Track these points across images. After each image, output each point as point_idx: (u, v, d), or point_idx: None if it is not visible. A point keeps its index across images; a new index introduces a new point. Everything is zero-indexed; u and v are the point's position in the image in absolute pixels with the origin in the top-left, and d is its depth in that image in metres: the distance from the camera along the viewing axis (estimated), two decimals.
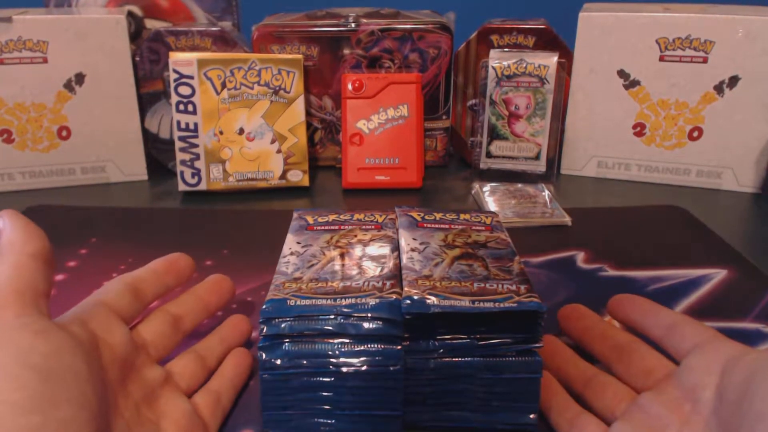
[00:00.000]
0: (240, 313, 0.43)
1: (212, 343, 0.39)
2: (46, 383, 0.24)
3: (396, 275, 0.36)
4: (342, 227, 0.42)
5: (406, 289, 0.33)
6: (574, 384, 0.37)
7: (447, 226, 0.41)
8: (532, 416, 0.34)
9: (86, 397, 0.26)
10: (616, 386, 0.35)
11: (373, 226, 0.42)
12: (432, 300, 0.32)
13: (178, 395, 0.34)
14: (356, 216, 0.43)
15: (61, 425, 0.24)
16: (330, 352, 0.32)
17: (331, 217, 0.43)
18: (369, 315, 0.32)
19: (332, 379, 0.33)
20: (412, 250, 0.38)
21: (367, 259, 0.37)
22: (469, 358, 0.33)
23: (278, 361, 0.32)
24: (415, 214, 0.43)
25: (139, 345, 0.34)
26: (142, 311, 0.36)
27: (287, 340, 0.32)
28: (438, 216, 0.43)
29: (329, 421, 0.33)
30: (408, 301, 0.32)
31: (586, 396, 0.36)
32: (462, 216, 0.43)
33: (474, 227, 0.41)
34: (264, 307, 0.33)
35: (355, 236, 0.40)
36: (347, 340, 0.32)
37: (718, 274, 0.53)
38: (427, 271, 0.35)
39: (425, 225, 0.41)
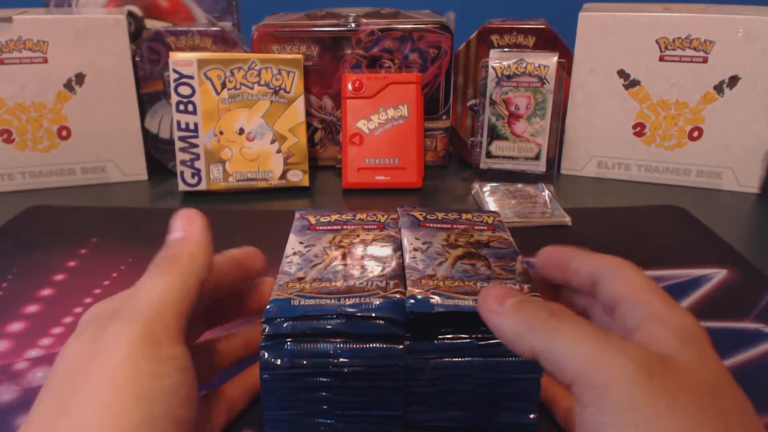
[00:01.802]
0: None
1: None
2: (152, 407, 0.25)
3: (399, 275, 0.35)
4: (344, 227, 0.42)
5: (409, 288, 0.33)
6: None
7: (449, 226, 0.41)
8: (532, 416, 0.34)
9: (184, 417, 0.27)
10: None
11: (375, 226, 0.42)
12: (436, 299, 0.32)
13: None
14: (358, 216, 0.43)
15: None
16: (331, 352, 0.32)
17: (334, 217, 0.43)
18: (373, 315, 0.32)
19: (333, 379, 0.33)
20: (415, 249, 0.38)
21: (370, 258, 0.37)
22: (469, 358, 0.33)
23: (279, 361, 0.32)
24: (417, 214, 0.43)
25: None
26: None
27: (288, 339, 0.32)
28: (440, 215, 0.43)
29: (329, 421, 0.33)
30: (412, 301, 0.32)
31: None
32: (464, 216, 0.43)
33: (476, 227, 0.41)
34: (268, 307, 0.33)
35: (358, 236, 0.40)
36: (348, 340, 0.32)
37: (718, 274, 0.53)
38: (431, 271, 0.35)
39: (428, 224, 0.41)
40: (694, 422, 0.23)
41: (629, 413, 0.23)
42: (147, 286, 0.29)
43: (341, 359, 0.32)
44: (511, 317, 0.28)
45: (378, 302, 0.32)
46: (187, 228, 0.32)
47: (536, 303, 0.28)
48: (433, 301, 0.32)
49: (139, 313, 0.27)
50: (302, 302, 0.33)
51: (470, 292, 0.33)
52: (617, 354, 0.24)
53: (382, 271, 0.36)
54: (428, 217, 0.42)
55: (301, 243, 0.40)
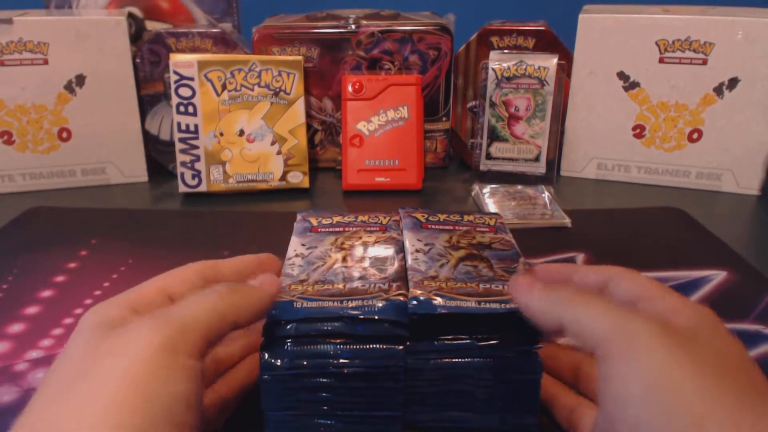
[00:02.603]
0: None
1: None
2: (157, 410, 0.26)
3: (402, 277, 0.36)
4: (346, 229, 0.42)
5: (412, 289, 0.33)
6: (564, 372, 0.37)
7: (451, 227, 0.41)
8: (532, 417, 0.34)
9: (188, 423, 0.27)
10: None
11: (377, 228, 0.42)
12: (438, 301, 0.32)
13: None
14: (360, 218, 0.43)
15: None
16: (331, 353, 0.32)
17: (335, 219, 0.43)
18: (376, 317, 0.32)
19: (333, 379, 0.33)
20: (417, 251, 0.38)
21: (372, 260, 0.37)
22: (469, 359, 0.33)
23: (279, 362, 0.32)
24: (419, 216, 0.43)
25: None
26: None
27: (289, 340, 0.32)
28: (442, 217, 0.43)
29: (329, 422, 0.33)
30: (414, 302, 0.32)
31: (578, 385, 0.36)
32: (466, 217, 0.43)
33: (478, 228, 0.41)
34: (271, 310, 0.33)
35: (360, 238, 0.40)
36: (348, 341, 0.32)
37: (717, 276, 0.53)
38: (433, 272, 0.35)
39: (429, 226, 0.41)
40: (711, 378, 0.24)
41: (652, 359, 0.25)
42: (192, 303, 0.30)
43: (341, 360, 0.32)
44: (541, 295, 0.30)
45: (381, 305, 0.32)
46: (266, 282, 0.34)
47: (563, 285, 0.32)
48: (435, 302, 0.32)
49: (170, 324, 0.28)
50: (305, 305, 0.33)
51: (473, 293, 0.33)
52: (640, 318, 0.27)
53: (384, 273, 0.36)
54: (430, 218, 0.42)
55: (303, 245, 0.40)
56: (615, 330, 0.26)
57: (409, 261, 0.37)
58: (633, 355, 0.25)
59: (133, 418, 0.25)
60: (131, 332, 0.27)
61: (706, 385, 0.24)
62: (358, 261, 0.37)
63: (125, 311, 0.29)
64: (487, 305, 0.32)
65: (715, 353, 0.26)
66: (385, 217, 0.43)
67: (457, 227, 0.41)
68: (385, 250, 0.39)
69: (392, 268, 0.36)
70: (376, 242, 0.40)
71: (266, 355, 0.32)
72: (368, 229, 0.42)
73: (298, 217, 0.44)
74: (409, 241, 0.39)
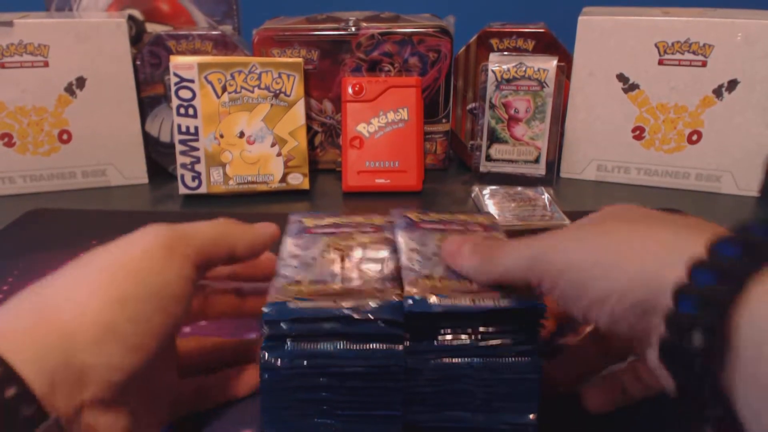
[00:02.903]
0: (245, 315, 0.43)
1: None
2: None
3: (396, 277, 0.36)
4: (341, 230, 0.42)
5: (407, 289, 0.33)
6: None
7: (443, 227, 0.41)
8: (531, 416, 0.34)
9: (172, 312, 0.31)
10: None
11: (371, 229, 0.42)
12: (434, 299, 0.32)
13: None
14: (354, 219, 0.44)
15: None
16: (331, 353, 0.32)
17: (329, 221, 0.43)
18: (372, 317, 0.32)
19: (333, 379, 0.33)
20: (411, 250, 0.38)
21: (367, 261, 0.37)
22: (469, 359, 0.33)
23: (279, 362, 0.32)
24: (412, 216, 0.43)
25: None
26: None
27: (288, 340, 0.32)
28: (435, 217, 0.43)
29: (329, 422, 0.33)
30: (410, 301, 0.32)
31: None
32: (459, 217, 0.43)
33: (470, 227, 0.41)
34: (266, 310, 0.33)
35: (354, 239, 0.40)
36: (348, 341, 0.32)
37: None
38: (427, 271, 0.35)
39: (422, 226, 0.41)
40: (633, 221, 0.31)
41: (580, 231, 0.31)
42: (195, 223, 0.34)
43: (341, 360, 0.32)
44: (469, 258, 0.34)
45: (376, 304, 0.32)
46: (265, 225, 0.38)
47: (486, 241, 0.35)
48: (431, 301, 0.32)
49: (172, 230, 0.32)
50: (300, 305, 0.33)
51: (467, 291, 0.33)
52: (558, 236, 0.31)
53: (379, 273, 0.36)
54: (423, 218, 0.42)
55: (297, 246, 0.40)
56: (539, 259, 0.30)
57: (403, 260, 0.37)
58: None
59: (123, 295, 0.28)
60: (137, 234, 0.32)
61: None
62: (353, 261, 0.37)
63: None
64: (482, 303, 0.32)
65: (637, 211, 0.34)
66: (379, 219, 0.44)
67: (449, 226, 0.41)
68: (380, 251, 0.39)
69: (387, 268, 0.36)
70: (370, 243, 0.40)
71: (266, 355, 0.32)
72: (362, 230, 0.42)
73: (291, 218, 0.44)
74: (403, 241, 0.39)
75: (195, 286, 0.33)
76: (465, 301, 0.32)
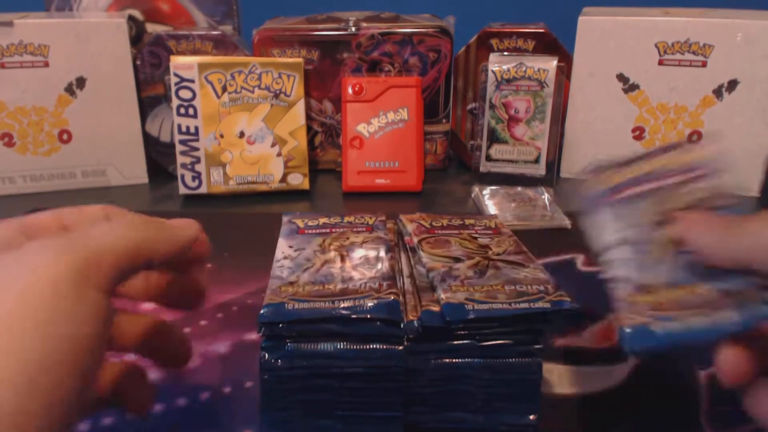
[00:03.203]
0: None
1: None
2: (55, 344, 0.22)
3: (392, 276, 0.36)
4: (333, 230, 0.42)
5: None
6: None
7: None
8: (532, 417, 0.34)
9: (84, 367, 0.23)
10: None
11: (364, 228, 0.42)
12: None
13: None
14: (346, 218, 0.44)
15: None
16: (331, 353, 0.32)
17: (322, 221, 0.43)
18: (368, 316, 0.32)
19: (333, 380, 0.33)
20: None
21: (362, 260, 0.38)
22: (470, 359, 0.33)
23: (279, 362, 0.32)
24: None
25: None
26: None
27: (289, 341, 0.32)
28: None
29: (329, 422, 0.33)
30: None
31: None
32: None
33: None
34: (262, 311, 0.33)
35: (347, 238, 0.40)
36: (348, 342, 0.32)
37: None
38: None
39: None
40: None
41: None
42: (103, 229, 0.27)
43: (341, 360, 0.32)
44: (709, 231, 0.31)
45: (372, 304, 0.32)
46: (184, 223, 0.32)
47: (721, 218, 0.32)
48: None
49: (78, 249, 0.24)
50: (296, 306, 0.33)
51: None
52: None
53: (374, 272, 0.36)
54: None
55: (290, 247, 0.40)
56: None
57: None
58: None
59: (26, 366, 0.21)
60: (29, 255, 0.23)
61: None
62: (347, 262, 0.37)
63: (17, 234, 0.26)
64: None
65: None
66: (371, 218, 0.44)
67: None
68: (374, 250, 0.39)
69: (382, 267, 0.37)
70: (363, 242, 0.40)
71: (266, 355, 0.32)
72: (355, 229, 0.42)
73: (284, 219, 0.44)
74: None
75: (110, 320, 0.25)
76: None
